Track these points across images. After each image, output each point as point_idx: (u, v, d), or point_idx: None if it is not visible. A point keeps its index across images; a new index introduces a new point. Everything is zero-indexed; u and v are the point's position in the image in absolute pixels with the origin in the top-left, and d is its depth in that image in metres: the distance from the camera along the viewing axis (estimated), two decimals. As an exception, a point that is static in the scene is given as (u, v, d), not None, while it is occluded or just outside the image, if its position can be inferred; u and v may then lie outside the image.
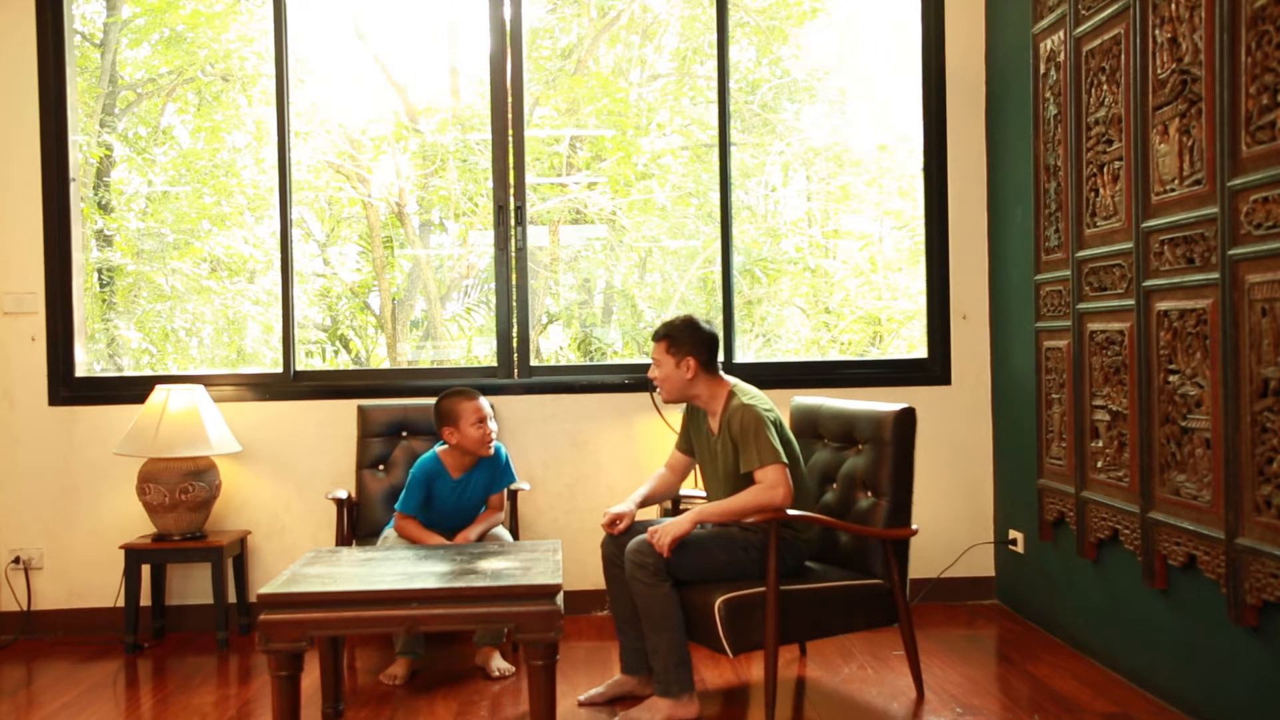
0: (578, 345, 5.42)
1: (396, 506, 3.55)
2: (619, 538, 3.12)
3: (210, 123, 5.43)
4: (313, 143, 5.33)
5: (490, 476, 3.62)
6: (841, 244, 5.56)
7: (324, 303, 5.58)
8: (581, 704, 3.16)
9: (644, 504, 3.24)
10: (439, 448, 3.60)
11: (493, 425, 3.52)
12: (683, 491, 3.71)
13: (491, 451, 3.55)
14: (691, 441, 3.29)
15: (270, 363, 5.11)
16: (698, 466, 3.32)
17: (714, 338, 3.15)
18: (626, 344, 5.36)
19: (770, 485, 2.92)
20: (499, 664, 3.47)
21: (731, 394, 3.11)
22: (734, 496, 2.98)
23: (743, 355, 4.63)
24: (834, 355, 5.36)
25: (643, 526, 3.11)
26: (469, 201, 5.43)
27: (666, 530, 2.90)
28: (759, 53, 5.48)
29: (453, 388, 3.61)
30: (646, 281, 5.47)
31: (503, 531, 3.62)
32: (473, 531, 3.53)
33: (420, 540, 3.44)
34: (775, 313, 5.48)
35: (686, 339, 3.11)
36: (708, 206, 5.10)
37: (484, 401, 3.53)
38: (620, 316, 5.48)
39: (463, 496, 3.58)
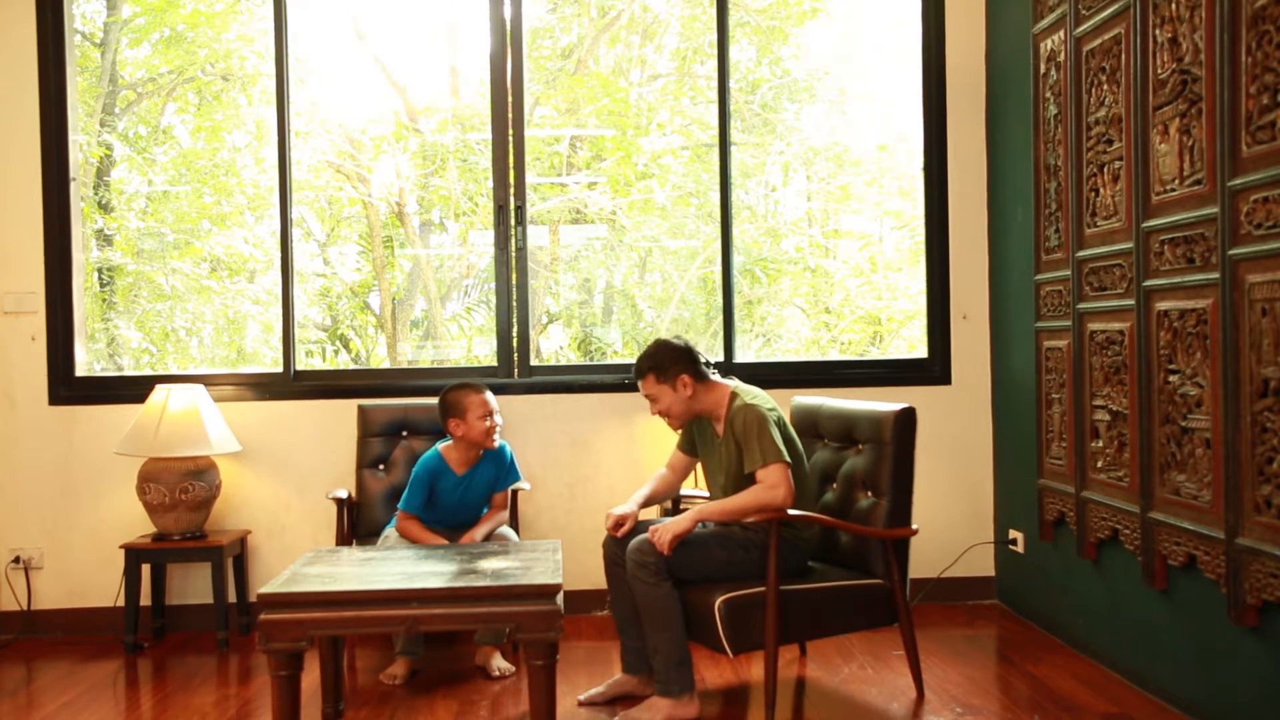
0: (578, 345, 5.41)
1: (399, 505, 3.55)
2: (620, 538, 3.12)
3: (210, 122, 5.43)
4: (313, 142, 5.33)
5: (495, 473, 3.62)
6: (841, 244, 5.55)
7: (324, 302, 5.58)
8: (581, 704, 3.16)
9: (646, 504, 3.25)
10: (441, 444, 3.60)
11: (498, 419, 3.53)
12: (683, 491, 3.72)
13: (496, 444, 3.55)
14: (694, 442, 3.30)
15: (270, 362, 5.11)
16: (703, 470, 3.33)
17: (690, 348, 3.16)
18: (626, 344, 5.36)
19: (771, 485, 2.92)
20: (499, 664, 3.47)
21: (734, 395, 3.11)
22: (735, 496, 2.98)
23: (743, 355, 4.62)
24: (834, 355, 5.36)
25: (644, 526, 3.12)
26: (469, 201, 5.43)
27: (667, 529, 2.90)
28: (759, 53, 5.48)
29: (457, 381, 3.61)
30: (646, 281, 5.47)
31: (509, 531, 3.62)
32: (478, 532, 3.53)
33: (421, 540, 3.44)
34: (775, 313, 5.48)
35: (669, 361, 3.11)
36: (708, 206, 5.10)
37: (490, 395, 3.53)
38: (620, 316, 5.48)
39: (466, 493, 3.58)
